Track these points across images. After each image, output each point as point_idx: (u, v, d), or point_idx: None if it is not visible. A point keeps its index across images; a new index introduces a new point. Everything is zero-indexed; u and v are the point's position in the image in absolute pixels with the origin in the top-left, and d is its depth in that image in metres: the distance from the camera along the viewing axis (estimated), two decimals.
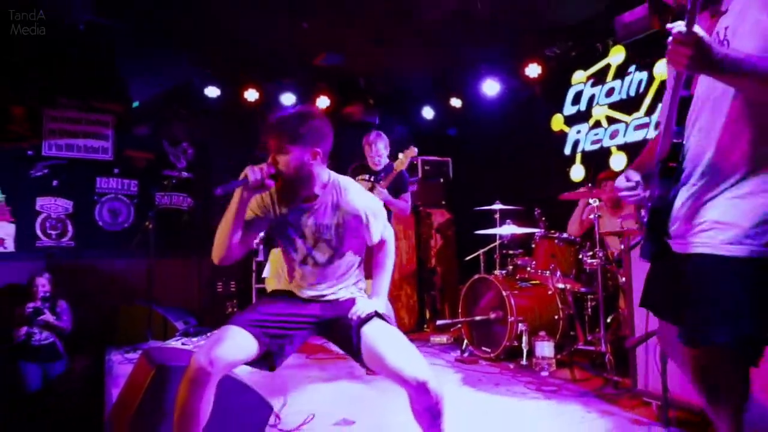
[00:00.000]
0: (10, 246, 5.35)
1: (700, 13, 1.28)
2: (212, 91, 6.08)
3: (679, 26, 1.16)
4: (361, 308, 2.02)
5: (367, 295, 2.17)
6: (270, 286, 4.48)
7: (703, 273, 1.30)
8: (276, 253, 4.62)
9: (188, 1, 4.42)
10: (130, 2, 4.36)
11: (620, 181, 1.47)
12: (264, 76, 6.22)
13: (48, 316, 4.47)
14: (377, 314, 2.01)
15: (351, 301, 2.09)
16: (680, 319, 1.37)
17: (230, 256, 2.08)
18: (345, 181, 2.14)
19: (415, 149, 3.82)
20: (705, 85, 1.38)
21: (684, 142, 1.37)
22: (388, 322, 2.02)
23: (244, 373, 3.59)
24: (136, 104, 5.64)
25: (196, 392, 1.81)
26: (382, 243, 2.18)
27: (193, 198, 6.30)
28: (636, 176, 1.45)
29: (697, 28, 1.15)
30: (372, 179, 3.92)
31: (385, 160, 3.97)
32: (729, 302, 1.26)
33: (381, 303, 2.10)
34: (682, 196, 1.38)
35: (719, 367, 1.30)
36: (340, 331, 2.04)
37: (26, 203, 5.44)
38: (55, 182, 5.60)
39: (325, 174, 2.08)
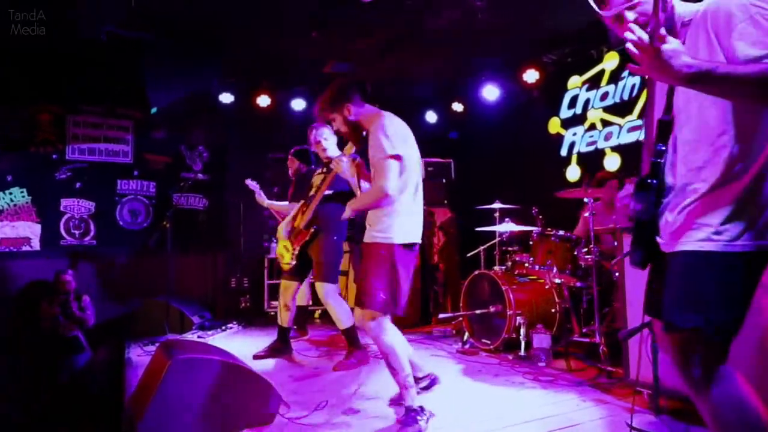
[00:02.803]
0: (36, 245, 5.42)
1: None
2: (227, 98, 6.12)
3: (641, 35, 1.20)
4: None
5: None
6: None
7: (682, 267, 1.37)
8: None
9: (207, 13, 4.45)
10: (154, 16, 4.39)
11: (622, 193, 1.58)
12: (276, 83, 6.26)
13: (74, 310, 4.52)
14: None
15: None
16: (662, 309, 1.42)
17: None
18: (379, 117, 2.50)
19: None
20: (682, 100, 1.42)
21: (662, 161, 1.44)
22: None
23: (256, 364, 3.62)
24: (154, 110, 5.67)
25: None
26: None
27: (209, 199, 6.34)
28: (631, 187, 1.53)
29: (661, 38, 1.18)
30: (324, 170, 3.88)
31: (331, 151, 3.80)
32: (700, 291, 1.32)
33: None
34: (669, 203, 1.43)
35: (694, 352, 1.33)
36: None
37: (51, 204, 5.51)
38: (78, 184, 5.66)
39: (368, 115, 2.55)
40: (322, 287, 3.74)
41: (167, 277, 5.11)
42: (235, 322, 5.31)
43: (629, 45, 1.23)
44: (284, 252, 3.87)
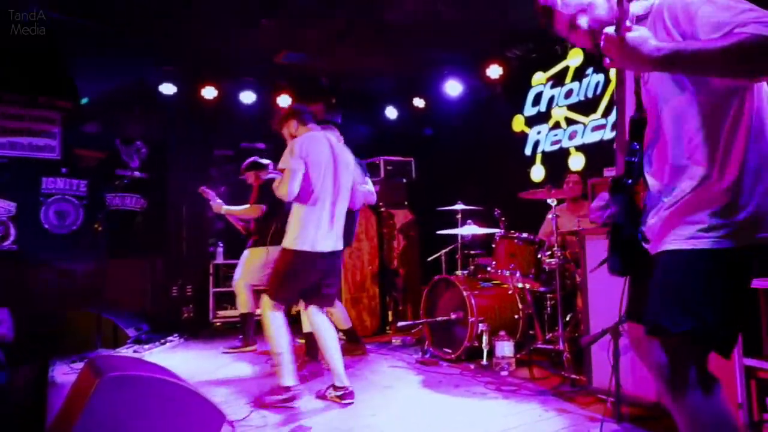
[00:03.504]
0: None
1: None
2: (168, 88, 5.94)
3: (610, 29, 1.25)
4: None
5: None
6: None
7: (669, 267, 1.38)
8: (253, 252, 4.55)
9: None
10: None
11: (595, 203, 1.58)
12: (223, 74, 6.12)
13: None
14: None
15: None
16: (646, 312, 1.43)
17: None
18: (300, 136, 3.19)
19: None
20: (652, 98, 1.46)
21: (636, 160, 1.45)
22: None
23: (198, 381, 3.52)
24: (85, 101, 5.44)
25: None
26: None
27: (147, 199, 6.13)
28: (606, 197, 1.54)
29: (626, 28, 1.23)
30: None
31: None
32: (690, 293, 1.33)
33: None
34: (653, 204, 1.46)
35: (681, 355, 1.35)
36: None
37: None
38: None
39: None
40: None
41: (99, 286, 4.90)
42: (176, 335, 5.15)
43: (607, 30, 1.27)
44: None
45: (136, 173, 6.05)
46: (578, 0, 1.50)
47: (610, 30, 1.25)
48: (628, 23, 1.23)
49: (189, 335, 5.32)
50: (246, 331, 4.62)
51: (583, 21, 1.47)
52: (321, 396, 3.17)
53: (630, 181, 1.44)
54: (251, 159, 4.70)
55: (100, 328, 4.65)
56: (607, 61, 1.32)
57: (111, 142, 6.02)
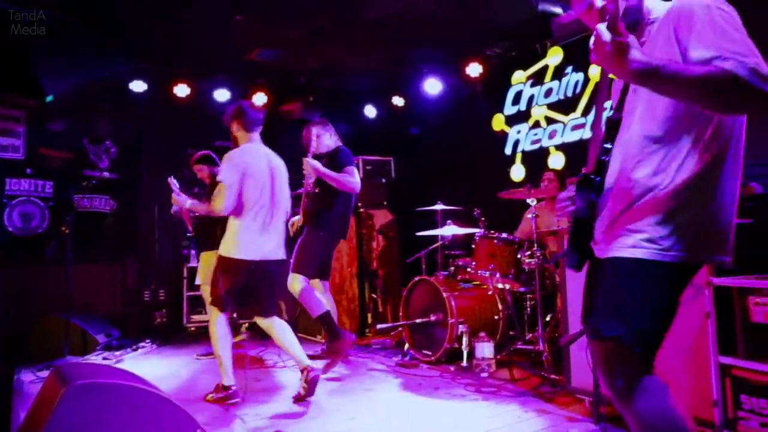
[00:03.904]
0: None
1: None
2: (139, 86, 5.86)
3: (601, 26, 1.26)
4: None
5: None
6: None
7: (611, 273, 1.44)
8: (205, 256, 4.51)
9: None
10: None
11: (564, 193, 1.60)
12: (196, 72, 6.05)
13: None
14: None
15: None
16: (588, 315, 1.50)
17: None
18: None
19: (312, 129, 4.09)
20: (631, 102, 1.49)
21: (607, 159, 1.49)
22: None
23: (171, 388, 3.48)
24: (50, 98, 5.33)
25: None
26: None
27: (117, 200, 6.03)
28: (573, 189, 1.56)
29: (615, 29, 1.23)
30: None
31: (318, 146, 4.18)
32: (626, 299, 1.39)
33: None
34: (604, 206, 1.50)
35: (617, 361, 1.40)
36: None
37: None
38: None
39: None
40: (294, 278, 3.87)
41: (67, 291, 4.80)
42: (148, 340, 5.09)
43: (598, 27, 1.27)
44: None
45: (105, 174, 5.95)
46: None
47: (602, 27, 1.26)
48: (619, 23, 1.23)
49: (162, 340, 5.25)
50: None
51: (599, 1, 1.46)
52: (297, 398, 3.21)
53: (598, 179, 1.46)
54: (202, 152, 4.69)
55: (68, 334, 4.56)
56: (593, 57, 1.32)
57: (78, 142, 5.90)
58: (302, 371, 3.24)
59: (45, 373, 3.88)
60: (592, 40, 1.30)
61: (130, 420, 2.29)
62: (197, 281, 4.61)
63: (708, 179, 1.37)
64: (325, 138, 4.19)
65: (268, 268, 3.32)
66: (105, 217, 5.94)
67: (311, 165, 3.88)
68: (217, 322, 3.28)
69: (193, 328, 5.79)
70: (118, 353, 4.65)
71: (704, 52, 1.26)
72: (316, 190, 4.01)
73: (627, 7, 1.46)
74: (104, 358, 4.49)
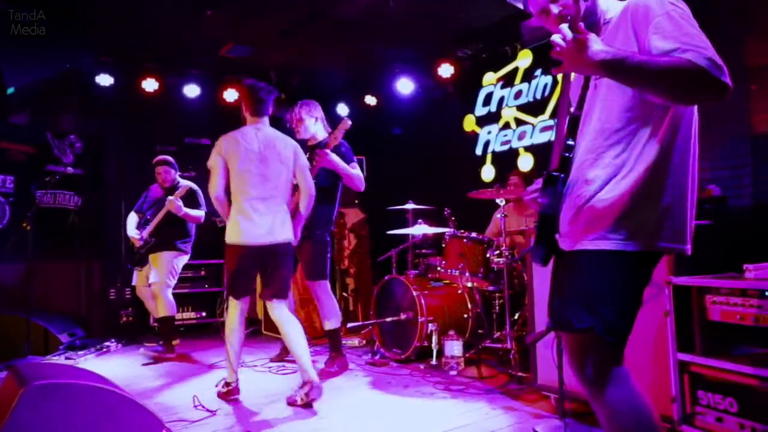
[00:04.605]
0: None
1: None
2: (105, 80, 5.71)
3: (564, 26, 1.32)
4: None
5: None
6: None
7: (576, 265, 1.48)
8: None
9: None
10: None
11: (532, 186, 1.65)
12: (165, 66, 5.93)
13: None
14: None
15: None
16: (555, 308, 1.53)
17: None
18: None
19: (349, 122, 3.86)
20: (590, 97, 1.54)
21: (571, 156, 1.54)
22: None
23: (136, 388, 3.41)
24: (11, 90, 5.14)
25: None
26: None
27: (82, 196, 5.86)
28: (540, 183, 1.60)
29: (577, 28, 1.29)
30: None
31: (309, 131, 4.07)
32: (594, 290, 1.43)
33: None
34: (568, 200, 1.53)
35: (588, 352, 1.44)
36: None
37: None
38: None
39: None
40: (316, 286, 3.87)
41: (28, 289, 4.64)
42: (113, 340, 4.96)
43: (554, 37, 1.33)
44: None
45: (70, 169, 5.77)
46: None
47: (564, 27, 1.31)
48: (580, 24, 1.29)
49: (128, 340, 5.13)
50: (166, 338, 4.50)
51: (554, 7, 1.52)
52: (291, 401, 3.09)
53: (563, 175, 1.51)
54: (162, 157, 4.73)
55: (29, 333, 4.42)
56: (554, 68, 1.38)
57: (42, 136, 5.71)
58: (305, 383, 3.06)
59: (3, 374, 3.75)
60: (553, 44, 1.34)
61: (92, 420, 2.23)
62: (153, 278, 4.53)
63: (665, 169, 1.42)
64: (309, 123, 4.02)
65: (269, 251, 3.19)
66: (69, 214, 5.76)
67: (330, 159, 3.78)
68: (230, 313, 3.23)
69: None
70: (81, 353, 4.52)
71: (665, 44, 1.31)
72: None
73: (584, 9, 1.51)
74: (67, 358, 4.36)
